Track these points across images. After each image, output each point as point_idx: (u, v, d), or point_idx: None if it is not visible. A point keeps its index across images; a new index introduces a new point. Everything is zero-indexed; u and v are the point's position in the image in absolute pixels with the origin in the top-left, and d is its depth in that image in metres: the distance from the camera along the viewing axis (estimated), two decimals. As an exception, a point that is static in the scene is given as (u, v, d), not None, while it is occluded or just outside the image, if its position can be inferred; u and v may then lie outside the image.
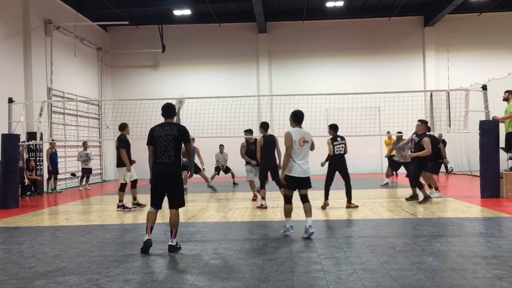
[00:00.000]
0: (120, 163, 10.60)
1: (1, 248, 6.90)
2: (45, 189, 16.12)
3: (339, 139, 10.04)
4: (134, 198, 10.94)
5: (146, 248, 6.19)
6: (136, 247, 6.59)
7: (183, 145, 6.45)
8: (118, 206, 10.63)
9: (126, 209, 10.57)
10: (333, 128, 10.16)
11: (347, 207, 10.03)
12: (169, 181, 6.22)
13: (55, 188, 16.33)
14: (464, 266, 5.19)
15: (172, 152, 6.20)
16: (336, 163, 10.00)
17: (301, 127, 7.15)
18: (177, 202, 6.31)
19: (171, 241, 6.26)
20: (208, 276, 5.04)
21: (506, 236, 6.85)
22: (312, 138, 7.28)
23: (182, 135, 6.27)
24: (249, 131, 12.39)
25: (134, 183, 10.97)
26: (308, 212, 7.04)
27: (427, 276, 4.80)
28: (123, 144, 10.45)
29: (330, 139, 10.06)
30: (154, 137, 6.29)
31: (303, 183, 7.05)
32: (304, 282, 4.72)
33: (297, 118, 7.15)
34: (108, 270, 5.38)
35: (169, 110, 6.47)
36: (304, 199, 7.14)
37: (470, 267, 5.11)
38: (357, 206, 10.06)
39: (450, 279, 4.70)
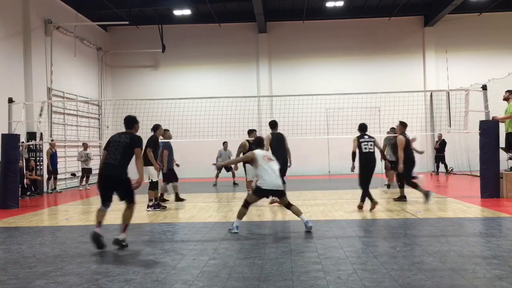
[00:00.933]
0: (145, 163, 10.43)
1: (1, 248, 6.89)
2: (45, 189, 16.12)
3: (366, 137, 9.94)
4: (155, 199, 10.68)
5: (94, 239, 6.42)
6: (136, 247, 6.61)
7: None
8: (148, 206, 10.46)
9: (156, 209, 10.40)
10: (360, 127, 10.14)
11: (360, 207, 9.77)
12: (115, 182, 6.59)
13: (55, 188, 16.34)
14: (464, 266, 5.19)
15: (119, 156, 6.57)
16: (365, 161, 9.82)
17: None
18: (127, 197, 6.66)
19: (119, 235, 6.49)
20: (208, 276, 5.04)
21: (506, 236, 6.86)
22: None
23: (133, 142, 6.67)
24: (252, 131, 12.29)
25: (153, 185, 10.61)
26: (298, 212, 7.53)
27: (427, 276, 4.80)
28: (150, 144, 10.36)
29: (357, 136, 10.01)
30: (109, 142, 6.74)
31: (277, 194, 7.57)
32: (304, 282, 4.72)
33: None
34: (108, 270, 5.38)
35: (128, 122, 6.98)
36: (288, 206, 7.59)
37: (470, 267, 5.11)
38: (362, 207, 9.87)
39: (450, 279, 4.70)
